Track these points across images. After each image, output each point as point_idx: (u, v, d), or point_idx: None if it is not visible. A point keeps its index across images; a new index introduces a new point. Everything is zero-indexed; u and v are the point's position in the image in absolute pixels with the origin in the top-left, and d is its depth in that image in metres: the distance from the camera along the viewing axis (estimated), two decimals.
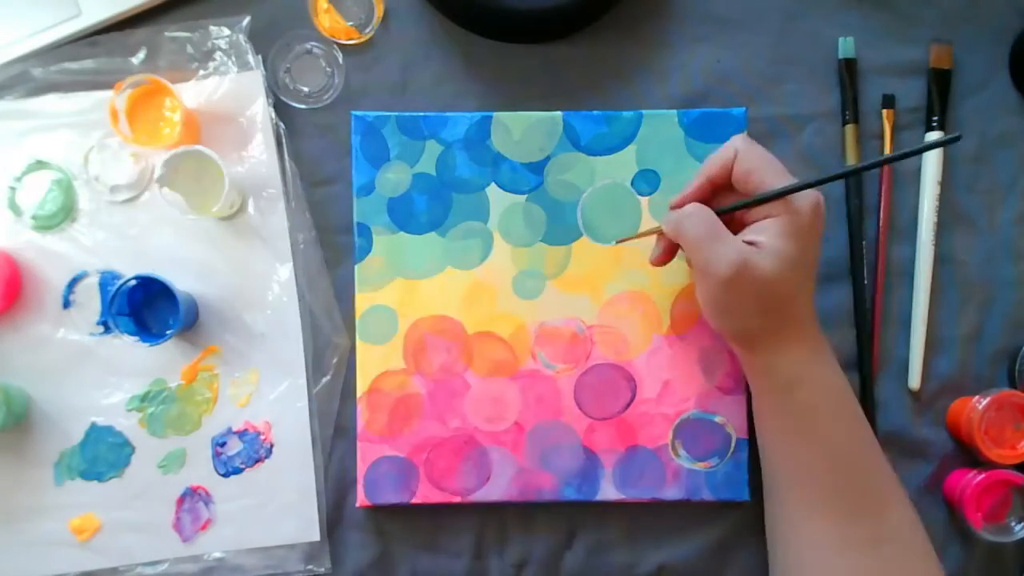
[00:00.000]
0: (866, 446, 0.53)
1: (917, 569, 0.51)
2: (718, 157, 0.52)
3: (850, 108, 0.61)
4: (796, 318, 0.51)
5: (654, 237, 0.56)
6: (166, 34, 0.61)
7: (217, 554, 0.59)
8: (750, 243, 0.50)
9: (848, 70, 0.61)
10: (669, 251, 0.56)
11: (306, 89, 0.62)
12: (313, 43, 0.62)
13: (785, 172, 0.51)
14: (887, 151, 0.61)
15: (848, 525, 0.51)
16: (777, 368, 0.52)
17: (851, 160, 0.61)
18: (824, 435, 0.52)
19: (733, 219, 0.52)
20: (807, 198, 0.50)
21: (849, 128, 0.61)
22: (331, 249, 0.61)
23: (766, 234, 0.50)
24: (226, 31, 0.61)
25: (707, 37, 0.62)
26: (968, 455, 0.60)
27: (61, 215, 0.61)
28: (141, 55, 0.61)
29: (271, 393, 0.60)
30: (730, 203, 0.52)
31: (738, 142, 0.52)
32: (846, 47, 0.61)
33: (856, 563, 0.50)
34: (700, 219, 0.51)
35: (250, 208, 0.61)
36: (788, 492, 0.54)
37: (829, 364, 0.53)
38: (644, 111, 0.60)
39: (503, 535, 0.60)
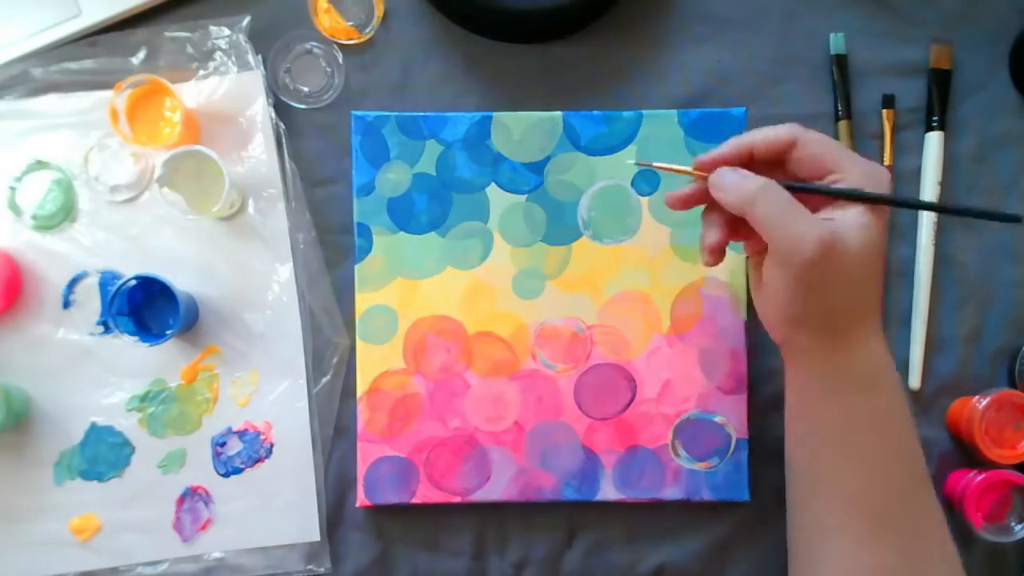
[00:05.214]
0: (918, 473, 0.49)
1: None
2: (771, 133, 0.48)
3: (843, 104, 0.61)
4: (878, 304, 0.48)
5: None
6: (166, 34, 0.61)
7: (217, 554, 0.59)
8: (828, 219, 0.46)
9: (839, 66, 0.61)
10: (699, 197, 0.50)
11: (306, 89, 0.62)
12: (313, 43, 0.62)
13: (857, 155, 0.48)
14: (887, 151, 0.61)
15: (884, 552, 0.47)
16: (856, 364, 0.48)
17: None
18: (886, 451, 0.48)
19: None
20: (883, 176, 0.47)
21: (842, 124, 0.61)
22: (331, 249, 0.61)
23: (850, 210, 0.46)
24: (226, 31, 0.61)
25: (707, 37, 0.62)
26: (968, 455, 0.60)
27: (61, 215, 0.61)
28: (141, 55, 0.61)
29: (271, 393, 0.60)
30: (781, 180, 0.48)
31: (796, 130, 0.48)
32: (837, 43, 0.61)
33: None
34: (777, 194, 0.46)
35: (250, 208, 0.61)
36: (826, 512, 0.49)
37: (897, 372, 0.49)
38: (644, 111, 0.60)
39: (503, 535, 0.60)
